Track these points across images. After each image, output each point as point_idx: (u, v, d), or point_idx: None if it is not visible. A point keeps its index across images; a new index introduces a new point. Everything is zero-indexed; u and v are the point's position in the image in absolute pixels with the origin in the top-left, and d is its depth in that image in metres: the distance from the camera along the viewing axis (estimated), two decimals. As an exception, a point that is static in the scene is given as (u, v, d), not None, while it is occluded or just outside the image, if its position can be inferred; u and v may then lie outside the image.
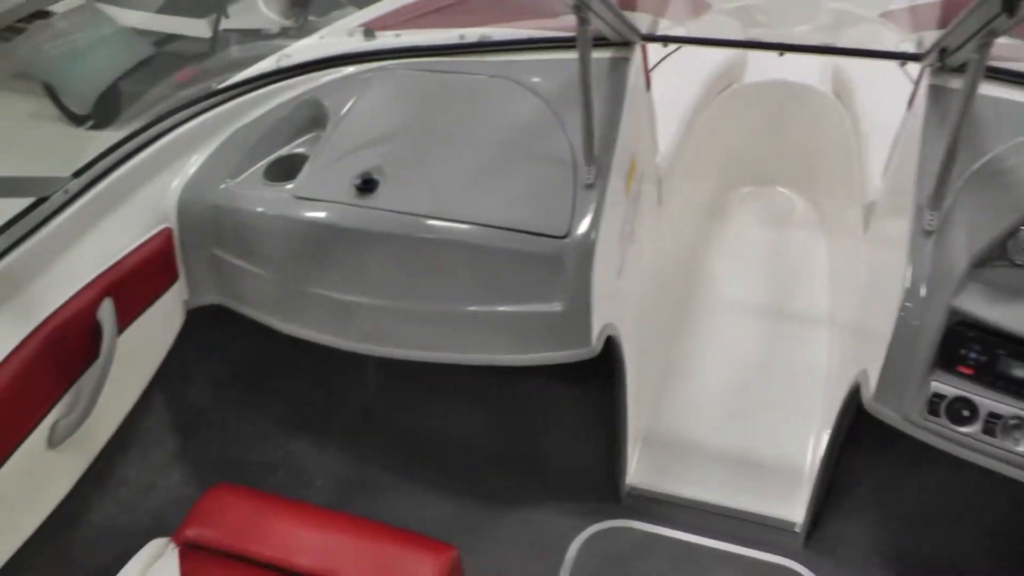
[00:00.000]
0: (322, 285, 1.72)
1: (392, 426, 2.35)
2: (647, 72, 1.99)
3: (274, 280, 1.76)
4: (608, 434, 2.08)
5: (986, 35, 1.30)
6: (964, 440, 1.46)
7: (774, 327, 2.60)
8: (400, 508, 2.12)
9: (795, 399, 2.33)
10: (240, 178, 1.81)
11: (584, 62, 1.52)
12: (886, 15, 3.14)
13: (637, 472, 2.14)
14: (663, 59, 2.67)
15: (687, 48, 2.76)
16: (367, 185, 1.67)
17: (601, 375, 1.94)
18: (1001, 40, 1.30)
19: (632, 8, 2.01)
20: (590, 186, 1.61)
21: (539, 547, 2.02)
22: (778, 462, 2.17)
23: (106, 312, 1.59)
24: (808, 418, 2.26)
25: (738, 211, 3.06)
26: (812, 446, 2.18)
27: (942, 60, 1.64)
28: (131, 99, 5.20)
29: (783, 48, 1.89)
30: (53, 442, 1.54)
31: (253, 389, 2.15)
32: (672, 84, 2.60)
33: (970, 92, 1.35)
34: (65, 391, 1.55)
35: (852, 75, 2.74)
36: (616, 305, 1.77)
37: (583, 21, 1.49)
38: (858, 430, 1.83)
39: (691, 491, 2.10)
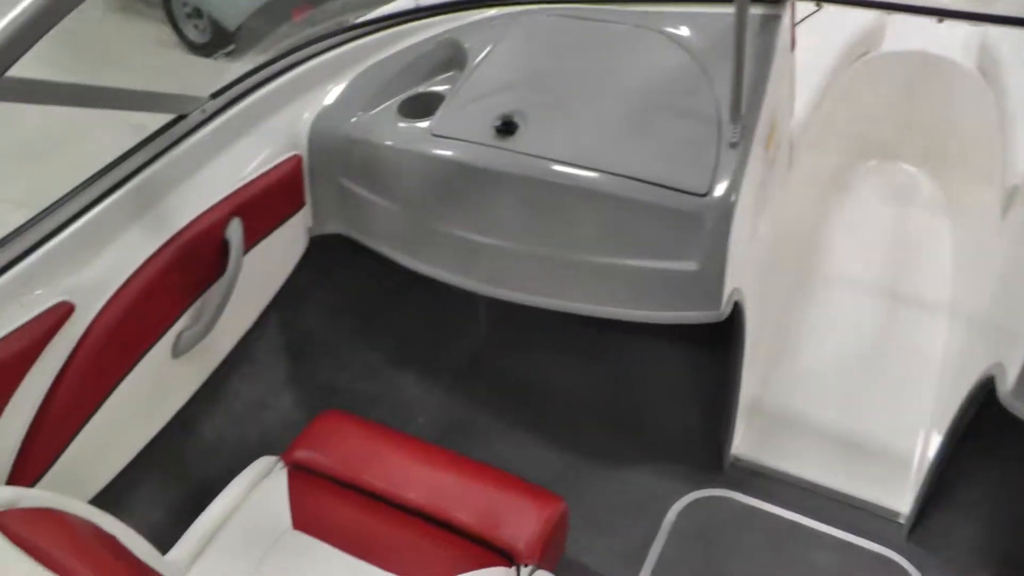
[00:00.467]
0: (450, 223, 1.71)
1: (499, 372, 2.35)
2: (794, 31, 1.91)
3: (401, 214, 1.76)
4: (717, 401, 2.04)
5: None
6: None
7: (891, 308, 2.50)
8: (502, 454, 2.12)
9: (908, 385, 2.25)
10: (373, 112, 1.80)
11: (741, 17, 1.46)
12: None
13: (742, 443, 2.10)
14: (806, 18, 2.57)
15: (828, 10, 2.65)
16: (506, 127, 1.64)
17: (716, 340, 1.89)
18: None
19: None
20: (734, 145, 1.55)
21: (639, 508, 2.00)
22: (887, 448, 2.09)
23: (234, 231, 1.61)
24: (921, 406, 2.17)
25: (861, 185, 2.94)
26: (923, 436, 2.10)
27: None
28: (250, 34, 5.27)
29: (940, 14, 1.78)
30: (177, 351, 1.58)
31: (365, 321, 2.17)
32: (810, 47, 2.50)
33: None
34: (191, 303, 1.59)
35: (1003, 50, 2.58)
36: (744, 271, 1.71)
37: None
38: (979, 425, 1.74)
39: (795, 467, 2.05)
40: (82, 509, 1.03)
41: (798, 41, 2.34)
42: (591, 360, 2.30)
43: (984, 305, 1.95)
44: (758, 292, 1.99)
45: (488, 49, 1.85)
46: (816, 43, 2.56)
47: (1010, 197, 1.93)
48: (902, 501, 1.96)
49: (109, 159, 1.52)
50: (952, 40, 2.78)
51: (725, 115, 1.59)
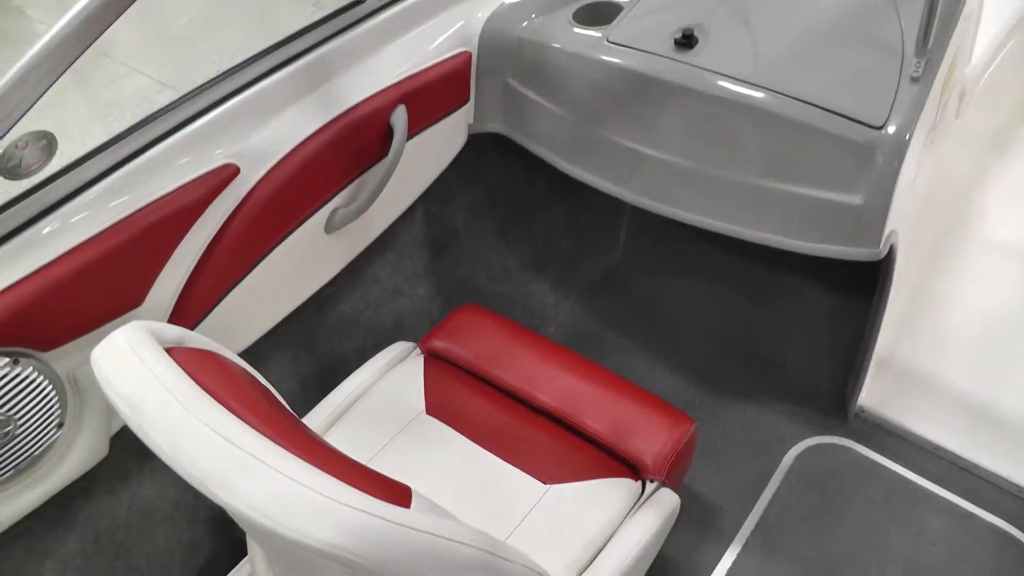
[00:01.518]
0: (615, 131, 1.70)
1: (634, 291, 2.34)
2: None
3: (566, 118, 1.75)
4: (849, 348, 1.99)
5: None
6: None
7: None
8: (627, 372, 2.13)
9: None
10: (549, 15, 1.78)
11: None
12: None
13: (869, 395, 2.05)
14: None
15: None
16: (687, 40, 1.61)
17: (859, 284, 1.84)
18: None
19: None
20: (915, 79, 1.48)
21: (759, 446, 1.99)
22: (1017, 421, 2.02)
23: (399, 117, 1.64)
24: None
25: None
26: None
27: None
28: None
29: None
30: (330, 227, 1.63)
31: (508, 224, 2.19)
32: None
33: None
34: (349, 183, 1.63)
35: None
36: (904, 213, 1.65)
37: None
38: None
39: (920, 427, 2.00)
40: (238, 359, 1.09)
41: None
42: (727, 290, 2.28)
43: None
44: (911, 239, 1.92)
45: None
46: None
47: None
48: None
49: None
50: None
51: (910, 47, 1.52)
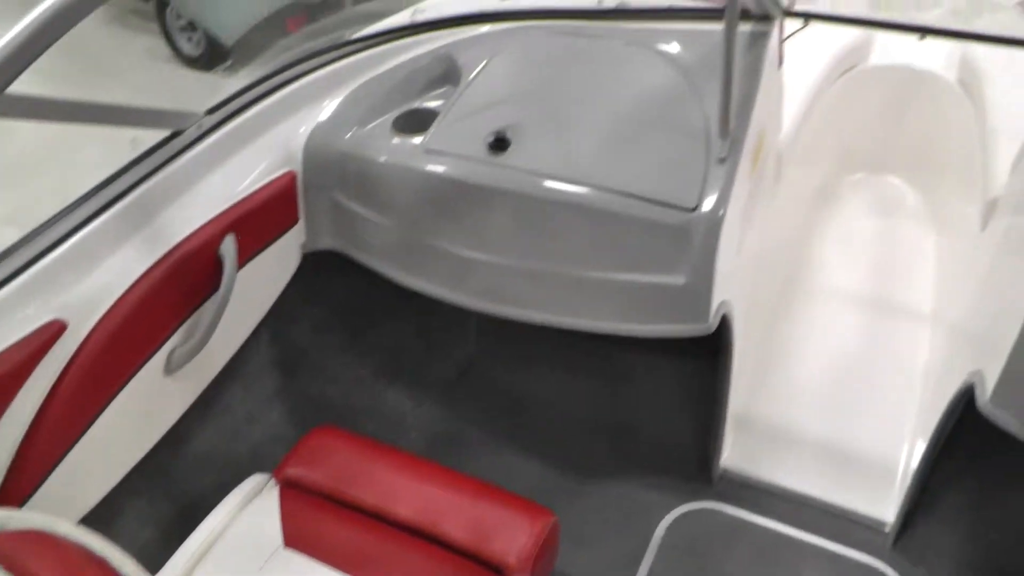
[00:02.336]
0: (442, 238, 1.73)
1: (489, 385, 2.36)
2: (782, 48, 1.94)
3: (394, 230, 1.78)
4: (705, 413, 2.05)
5: None
6: None
7: (877, 319, 2.53)
8: (492, 467, 2.13)
9: (894, 395, 2.27)
10: (368, 127, 1.82)
11: (730, 35, 1.48)
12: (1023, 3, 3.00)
13: (731, 455, 2.11)
14: (791, 35, 2.60)
15: (815, 25, 2.69)
16: (499, 143, 1.67)
17: (705, 352, 1.91)
18: None
19: None
20: (722, 160, 1.57)
21: (628, 521, 2.01)
22: (873, 458, 2.12)
23: (228, 247, 1.62)
24: (905, 415, 2.20)
25: (849, 198, 2.97)
26: (908, 445, 2.12)
27: None
28: (245, 47, 5.29)
29: (923, 31, 1.82)
30: (169, 368, 1.59)
31: (356, 335, 2.18)
32: (798, 62, 2.53)
33: None
34: (184, 320, 1.59)
35: (982, 65, 2.62)
36: (732, 283, 1.73)
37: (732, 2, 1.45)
38: (961, 434, 1.76)
39: (783, 479, 2.07)
40: (72, 531, 1.04)
41: (786, 56, 2.37)
42: (581, 372, 2.32)
43: (965, 315, 1.97)
44: (746, 304, 2.01)
45: (482, 65, 1.87)
46: (804, 58, 2.59)
47: (990, 209, 1.96)
48: (888, 510, 1.98)
49: (103, 176, 1.53)
50: (935, 54, 2.83)
51: (714, 131, 1.61)
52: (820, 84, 2.57)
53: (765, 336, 2.44)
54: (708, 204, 1.52)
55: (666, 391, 2.26)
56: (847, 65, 2.79)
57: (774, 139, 2.10)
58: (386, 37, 1.99)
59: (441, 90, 1.93)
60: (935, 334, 2.40)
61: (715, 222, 1.52)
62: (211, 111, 1.69)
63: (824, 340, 2.46)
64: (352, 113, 1.85)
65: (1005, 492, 1.95)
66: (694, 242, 1.53)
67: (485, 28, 2.01)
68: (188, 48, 5.58)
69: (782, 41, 1.94)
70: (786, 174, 2.38)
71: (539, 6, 2.01)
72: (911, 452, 2.10)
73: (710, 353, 1.89)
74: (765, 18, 1.81)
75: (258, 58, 4.87)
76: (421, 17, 2.08)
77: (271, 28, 5.10)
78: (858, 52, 2.83)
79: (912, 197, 2.95)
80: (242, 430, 1.89)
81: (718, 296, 1.61)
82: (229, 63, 5.35)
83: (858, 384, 2.33)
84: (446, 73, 1.93)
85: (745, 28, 1.79)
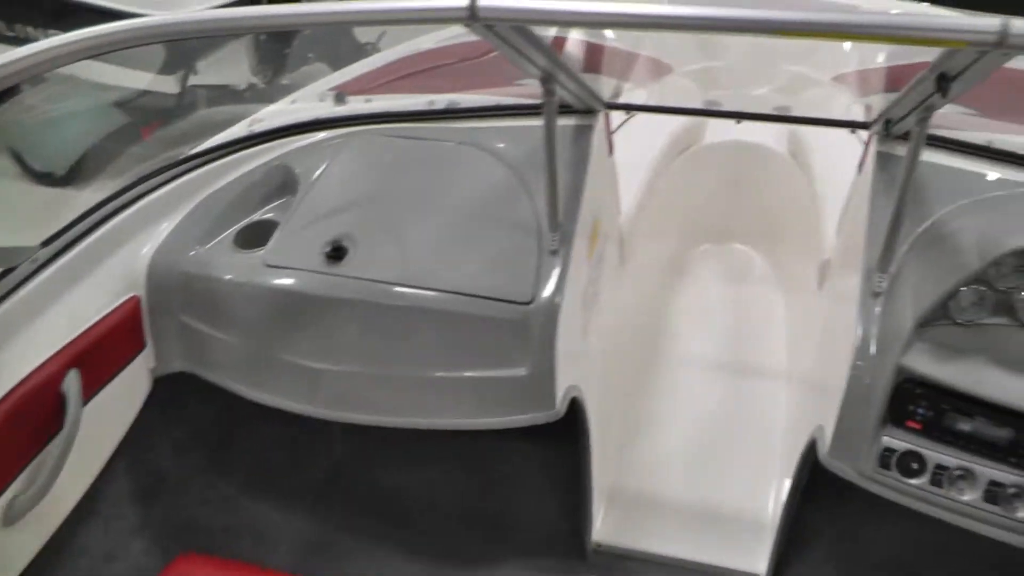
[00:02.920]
0: (291, 352, 1.73)
1: (358, 489, 2.33)
2: (610, 137, 2.04)
3: (243, 347, 1.77)
4: (574, 491, 2.09)
5: (924, 110, 1.37)
6: (913, 492, 1.52)
7: (735, 381, 2.64)
8: (367, 571, 2.10)
9: (756, 452, 2.36)
10: (210, 245, 1.82)
11: (550, 132, 1.56)
12: (838, 79, 3.25)
13: (603, 529, 2.15)
14: (625, 121, 2.73)
15: (644, 118, 2.84)
16: (336, 252, 1.69)
17: (566, 435, 1.95)
18: (944, 110, 1.36)
19: (597, 71, 2.05)
20: (554, 252, 1.64)
21: None
22: (741, 514, 2.19)
23: (71, 384, 1.57)
24: (769, 470, 2.29)
25: (698, 268, 3.11)
26: (774, 498, 2.21)
27: (887, 129, 1.72)
28: (92, 157, 5.17)
29: (739, 116, 1.96)
30: (9, 519, 1.50)
31: (217, 454, 2.13)
32: (634, 146, 2.66)
33: (912, 161, 1.42)
34: (26, 465, 1.53)
35: (807, 136, 2.82)
36: (580, 367, 1.79)
37: (549, 92, 1.53)
38: (817, 482, 1.86)
39: (656, 546, 2.11)
40: None
41: (627, 139, 2.49)
42: (449, 465, 2.33)
43: (809, 371, 2.09)
44: (602, 382, 2.07)
45: (319, 173, 1.90)
46: (642, 141, 2.73)
47: (824, 269, 2.10)
48: (760, 563, 2.04)
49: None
50: (769, 129, 3.02)
51: (545, 224, 1.68)
52: (658, 165, 2.71)
53: (628, 408, 2.51)
54: (543, 295, 1.59)
55: (534, 474, 2.29)
56: (684, 144, 2.95)
57: (613, 222, 2.19)
58: (224, 151, 2.00)
59: (280, 200, 1.94)
60: (789, 391, 2.52)
61: (551, 313, 1.58)
62: (46, 243, 1.65)
63: (687, 407, 2.55)
64: (193, 231, 1.84)
65: (860, 531, 2.05)
66: (533, 334, 1.58)
67: (321, 135, 2.04)
68: (38, 164, 5.40)
69: (611, 132, 2.05)
70: (634, 251, 2.49)
71: (373, 110, 2.07)
72: (777, 505, 2.18)
73: (569, 434, 1.94)
74: (588, 112, 1.91)
75: (112, 166, 4.77)
76: (259, 127, 2.10)
77: (123, 137, 5.02)
78: (694, 132, 2.99)
79: (759, 262, 3.11)
80: (101, 571, 1.81)
81: (564, 382, 1.66)
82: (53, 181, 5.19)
83: (722, 445, 2.41)
84: (284, 183, 1.95)
85: (570, 122, 1.88)
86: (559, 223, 1.66)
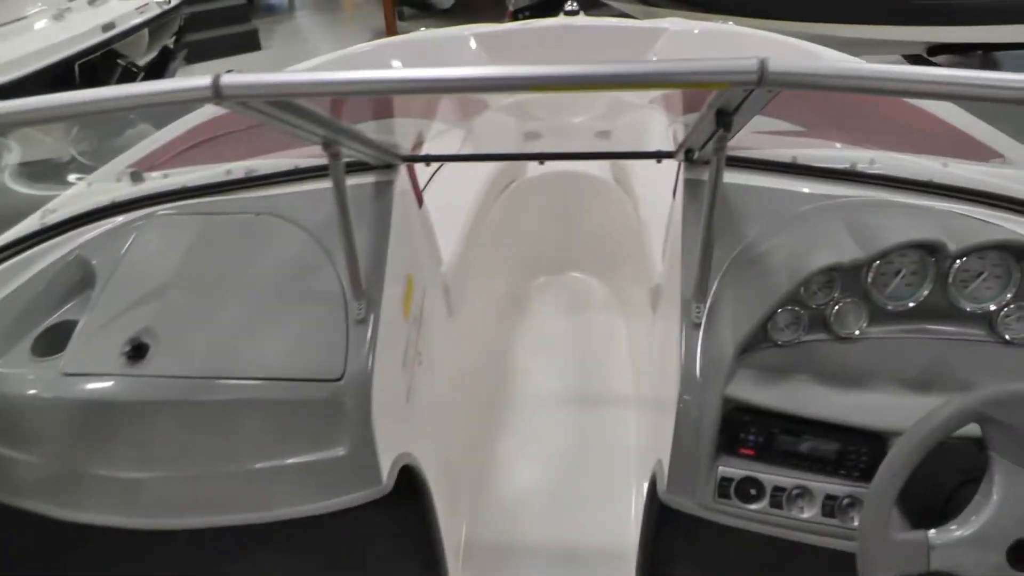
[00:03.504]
0: (102, 465, 1.61)
1: None
2: (417, 188, 2.01)
3: (47, 466, 1.64)
4: (426, 554, 2.04)
5: (717, 140, 1.39)
6: (755, 516, 1.54)
7: (584, 414, 2.65)
8: None
9: (611, 483, 2.38)
10: (8, 354, 1.68)
11: (340, 196, 1.52)
12: (655, 101, 3.34)
13: None
14: (437, 171, 2.72)
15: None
16: (137, 351, 1.59)
17: (410, 499, 1.90)
18: (748, 132, 1.40)
19: (394, 116, 2.01)
20: (361, 321, 1.59)
21: None
22: (605, 546, 2.20)
23: None
24: (625, 500, 2.31)
25: (538, 301, 3.12)
26: (632, 529, 2.21)
27: (689, 159, 1.74)
28: None
29: (543, 157, 1.96)
30: None
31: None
32: (455, 186, 2.65)
33: (713, 192, 1.44)
34: None
35: (629, 162, 2.87)
36: (409, 432, 1.75)
37: (334, 156, 1.49)
38: (668, 511, 1.87)
39: None
40: None
41: (446, 182, 2.46)
42: (296, 553, 2.24)
43: (649, 400, 2.11)
44: (440, 440, 2.03)
45: (116, 263, 1.79)
46: (461, 182, 2.72)
47: (656, 294, 2.12)
48: None
49: None
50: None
51: (350, 291, 1.63)
52: (482, 203, 2.71)
53: (478, 456, 2.48)
54: (353, 369, 1.54)
55: (386, 543, 2.22)
56: (507, 179, 2.96)
57: (434, 274, 2.17)
58: (13, 249, 1.87)
59: (80, 297, 1.82)
60: (638, 418, 2.54)
61: (362, 386, 1.53)
62: None
63: (538, 445, 2.55)
64: None
65: (715, 552, 2.07)
66: (346, 411, 1.53)
67: (119, 219, 1.93)
68: None
69: (416, 181, 2.02)
70: (465, 296, 2.47)
71: (169, 187, 1.97)
72: (636, 536, 2.19)
73: (413, 500, 1.89)
74: (387, 166, 1.87)
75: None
76: (52, 218, 1.97)
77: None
78: (515, 165, 3.01)
79: (599, 289, 3.15)
80: None
81: (390, 453, 1.62)
82: None
83: (577, 480, 2.42)
84: (83, 277, 1.83)
85: (368, 179, 1.84)
86: (363, 290, 1.61)
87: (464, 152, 3.12)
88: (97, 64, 5.78)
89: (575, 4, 3.68)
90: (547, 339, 2.96)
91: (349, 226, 1.55)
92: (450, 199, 2.57)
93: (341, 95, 1.28)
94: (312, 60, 3.13)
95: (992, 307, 1.49)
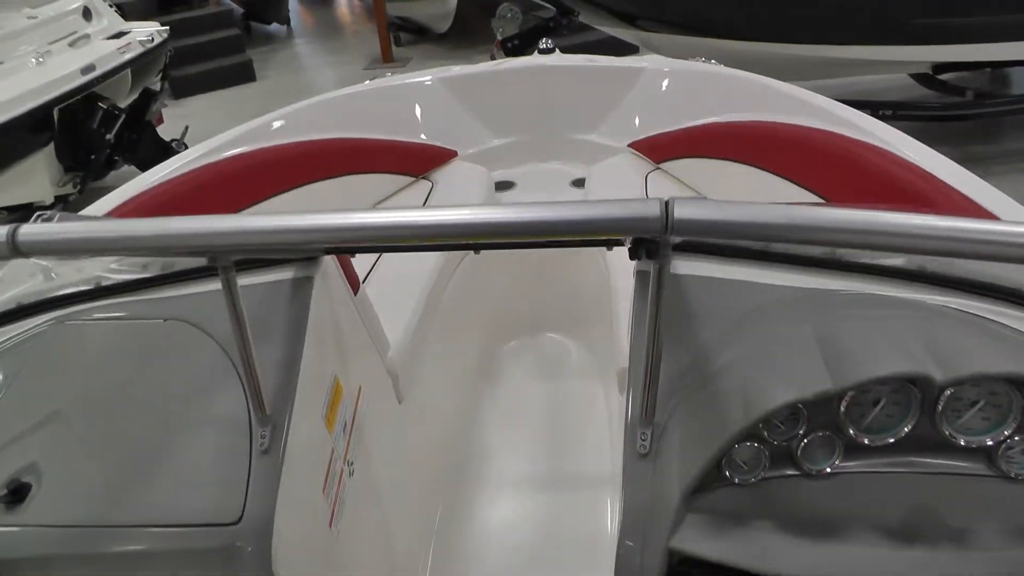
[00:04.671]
0: None
1: None
2: (351, 274, 1.82)
3: None
4: None
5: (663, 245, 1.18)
6: None
7: (558, 497, 2.43)
8: None
9: (588, 566, 2.16)
10: None
11: (235, 313, 1.33)
12: (636, 145, 3.15)
13: None
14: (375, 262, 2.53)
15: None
16: (15, 495, 1.38)
17: None
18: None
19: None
20: (266, 452, 1.39)
21: None
22: None
23: None
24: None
25: (509, 367, 2.91)
26: None
27: (638, 255, 1.51)
28: None
29: (479, 247, 1.75)
30: None
31: None
32: (407, 262, 2.45)
33: (657, 300, 1.22)
34: None
35: None
36: (333, 563, 1.54)
37: (224, 268, 1.30)
38: None
39: None
40: None
41: (393, 258, 2.26)
42: None
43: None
44: (383, 556, 1.83)
45: (5, 384, 1.58)
46: (407, 262, 2.50)
47: (621, 379, 1.91)
48: None
49: None
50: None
51: (255, 416, 1.43)
52: (441, 268, 2.50)
53: (442, 550, 2.27)
54: (252, 511, 1.32)
55: None
56: None
57: (375, 364, 1.97)
58: None
59: None
60: (614, 497, 2.33)
61: (262, 528, 1.32)
62: None
63: (508, 530, 2.33)
64: None
65: None
66: (245, 559, 1.31)
67: (12, 328, 1.72)
68: None
69: (353, 271, 1.83)
70: (424, 373, 2.27)
71: (76, 289, 1.77)
72: None
73: None
74: (310, 258, 1.67)
75: None
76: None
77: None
78: None
79: (575, 350, 2.94)
80: None
81: None
82: None
83: (553, 559, 2.21)
84: None
85: (285, 275, 1.64)
86: (268, 415, 1.41)
87: (432, 203, 2.94)
88: (77, 108, 5.66)
89: (550, 42, 3.50)
90: (518, 411, 2.74)
91: (248, 346, 1.36)
92: (405, 268, 2.37)
93: (164, 253, 1.09)
94: (267, 116, 2.96)
95: (989, 441, 1.23)
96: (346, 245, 1.77)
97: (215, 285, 1.66)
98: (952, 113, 5.74)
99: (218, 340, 1.56)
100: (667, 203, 0.81)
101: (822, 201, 2.48)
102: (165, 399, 1.50)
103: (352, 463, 1.71)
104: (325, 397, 1.59)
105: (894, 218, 0.79)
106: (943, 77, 5.90)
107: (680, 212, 0.81)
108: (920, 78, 6.06)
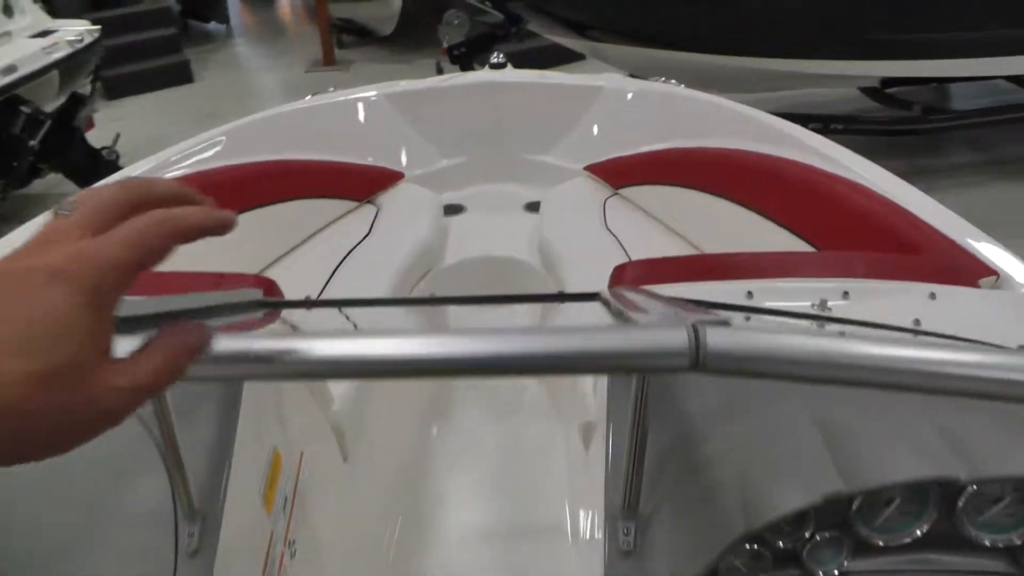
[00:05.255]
0: None
1: None
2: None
3: None
4: None
5: None
6: None
7: (516, 547, 2.27)
8: None
9: None
10: None
11: (156, 404, 1.15)
12: (592, 168, 3.03)
13: None
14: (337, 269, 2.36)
15: (370, 247, 2.46)
16: None
17: None
18: None
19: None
20: (194, 553, 1.21)
21: None
22: None
23: None
24: None
25: (461, 411, 2.73)
26: None
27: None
28: None
29: (437, 302, 1.59)
30: None
31: None
32: (356, 290, 2.29)
33: (644, 387, 1.08)
34: None
35: (558, 248, 2.54)
36: None
37: None
38: None
39: None
40: None
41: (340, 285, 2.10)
42: None
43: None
44: None
45: None
46: (364, 284, 2.36)
47: (587, 433, 1.78)
48: None
49: None
50: (519, 239, 2.73)
51: (181, 509, 1.25)
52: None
53: None
54: None
55: None
56: (422, 270, 2.61)
57: (318, 424, 1.80)
58: None
59: None
60: (579, 556, 2.18)
61: None
62: None
63: None
64: None
65: None
66: None
67: None
68: None
69: (294, 327, 1.66)
70: (371, 425, 2.10)
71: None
72: None
73: None
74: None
75: None
76: None
77: None
78: (430, 254, 2.66)
79: (534, 388, 2.77)
80: None
81: None
82: None
83: None
84: None
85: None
86: (196, 510, 1.24)
87: (377, 230, 2.77)
88: (-4, 112, 5.35)
89: (501, 56, 3.34)
90: (472, 454, 2.56)
91: (171, 428, 1.18)
92: (348, 310, 2.20)
93: None
94: (205, 135, 2.76)
95: (1017, 540, 1.10)
96: (274, 300, 1.61)
97: None
98: (903, 128, 5.77)
99: (142, 419, 1.38)
100: (697, 333, 0.66)
101: (784, 231, 2.39)
102: (89, 492, 1.30)
103: (294, 543, 1.54)
104: (263, 474, 1.42)
105: (967, 357, 0.65)
106: (891, 91, 5.94)
107: (713, 344, 0.66)
108: (868, 91, 6.08)
